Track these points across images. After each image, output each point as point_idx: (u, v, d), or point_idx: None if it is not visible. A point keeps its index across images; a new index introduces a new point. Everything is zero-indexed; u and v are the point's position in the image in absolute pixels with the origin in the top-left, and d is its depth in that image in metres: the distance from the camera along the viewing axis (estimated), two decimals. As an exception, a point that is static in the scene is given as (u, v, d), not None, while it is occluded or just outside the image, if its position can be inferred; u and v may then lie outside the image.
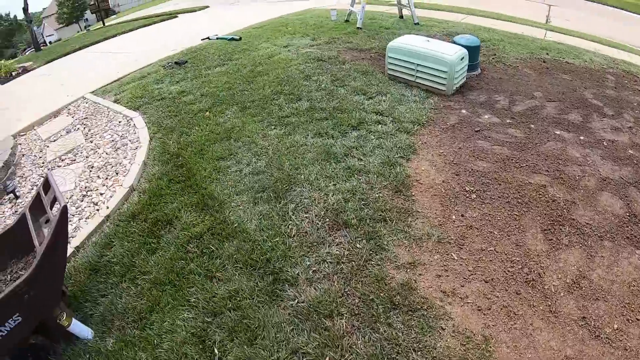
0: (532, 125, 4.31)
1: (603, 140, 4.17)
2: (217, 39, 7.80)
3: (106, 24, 21.82)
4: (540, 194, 3.33)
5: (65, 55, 8.92)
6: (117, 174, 3.77)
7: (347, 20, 7.44)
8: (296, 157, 3.67)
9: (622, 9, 17.67)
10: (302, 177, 3.42)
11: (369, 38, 6.56)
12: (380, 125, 4.08)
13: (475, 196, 3.17)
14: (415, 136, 3.91)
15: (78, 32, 30.69)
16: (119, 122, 4.51)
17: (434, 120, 4.24)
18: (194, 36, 8.35)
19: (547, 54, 6.72)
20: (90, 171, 3.89)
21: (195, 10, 13.74)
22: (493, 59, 6.21)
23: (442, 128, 4.11)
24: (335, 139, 3.90)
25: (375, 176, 3.32)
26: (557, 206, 3.18)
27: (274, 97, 4.82)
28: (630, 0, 19.59)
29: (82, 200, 3.46)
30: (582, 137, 4.22)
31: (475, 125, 4.18)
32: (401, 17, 8.12)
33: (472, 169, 3.47)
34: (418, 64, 4.80)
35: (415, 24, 7.56)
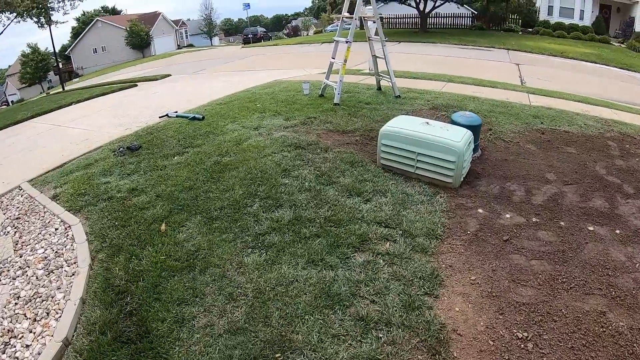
0: (562, 223, 4.24)
1: (639, 232, 4.16)
2: (176, 116, 7.62)
3: (66, 88, 22.50)
4: (602, 326, 3.08)
5: (15, 123, 9.14)
6: (47, 314, 3.22)
7: (321, 95, 7.64)
8: (287, 302, 3.20)
9: (582, 60, 20.49)
10: (300, 336, 2.93)
11: (350, 116, 6.62)
12: (388, 243, 3.78)
13: (531, 345, 2.84)
14: (435, 257, 3.62)
15: (41, 93, 31.97)
16: (56, 229, 4.22)
17: (451, 229, 4.03)
18: (153, 111, 8.18)
19: (542, 123, 7.17)
20: (16, 303, 3.34)
21: (156, 79, 14.20)
22: (490, 135, 6.44)
23: (464, 240, 3.88)
24: (335, 269, 3.50)
25: (399, 330, 2.90)
26: (626, 341, 2.92)
27: (247, 203, 4.44)
28: (587, 51, 22.92)
29: (4, 353, 2.85)
30: (618, 231, 4.19)
31: (500, 232, 4.02)
32: (379, 88, 8.55)
33: (516, 302, 3.19)
34: (419, 153, 4.73)
35: (396, 97, 7.92)
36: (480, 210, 4.41)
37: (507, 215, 4.35)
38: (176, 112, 7.60)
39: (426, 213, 4.28)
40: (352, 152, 5.27)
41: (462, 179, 4.83)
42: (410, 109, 7.44)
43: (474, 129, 5.18)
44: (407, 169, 4.74)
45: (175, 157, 5.78)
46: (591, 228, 4.21)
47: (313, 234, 3.93)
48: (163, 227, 4.18)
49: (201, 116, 7.39)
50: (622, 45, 28.55)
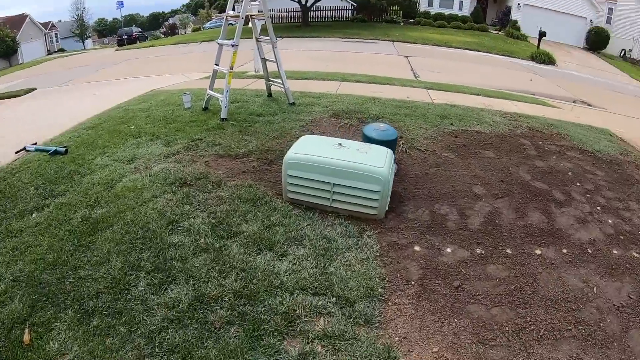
0: (508, 250, 4.13)
1: (585, 247, 4.30)
2: (35, 150, 6.29)
3: None
4: (586, 378, 2.90)
5: None
6: None
7: (205, 108, 7.28)
8: None
9: (465, 49, 22.93)
10: None
11: (242, 134, 6.23)
12: (323, 319, 3.15)
13: None
14: (384, 328, 3.13)
15: None
16: None
17: (392, 282, 3.59)
18: (7, 143, 6.55)
19: (452, 124, 7.36)
20: None
21: (19, 95, 12.17)
22: (403, 144, 6.30)
23: (410, 296, 3.46)
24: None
25: None
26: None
27: (131, 281, 3.38)
28: (468, 39, 25.85)
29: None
30: (564, 251, 4.23)
31: (447, 275, 3.71)
32: (270, 95, 8.19)
33: (492, 372, 2.81)
34: (335, 184, 4.21)
35: (290, 104, 7.63)
36: (417, 248, 4.06)
37: (448, 250, 4.06)
38: (35, 143, 6.63)
39: (357, 264, 3.75)
40: (251, 185, 4.77)
41: (387, 207, 4.44)
42: (308, 119, 7.06)
43: (391, 144, 4.89)
44: (322, 202, 4.27)
45: (34, 215, 4.41)
46: (538, 252, 4.17)
47: (224, 321, 3.08)
48: (27, 336, 3.01)
49: (64, 148, 6.09)
50: (500, 32, 33.03)
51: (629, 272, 4.06)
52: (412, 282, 3.64)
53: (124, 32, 43.78)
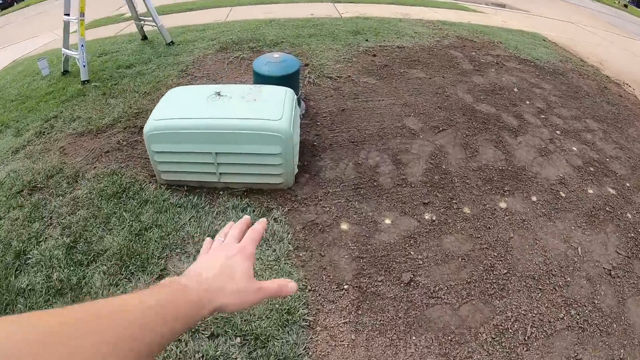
0: (466, 209, 3.28)
1: (555, 189, 3.72)
2: None
3: None
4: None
5: None
6: None
7: (65, 71, 6.56)
8: None
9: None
10: None
11: (106, 97, 5.38)
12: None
13: None
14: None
15: None
16: None
17: (317, 291, 2.72)
18: None
19: (367, 40, 6.44)
20: None
21: None
22: (310, 73, 5.17)
23: (345, 310, 2.61)
24: None
25: None
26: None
27: None
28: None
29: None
30: (534, 199, 3.54)
31: (391, 264, 2.78)
32: (144, 37, 7.34)
33: None
34: (218, 153, 3.09)
35: (168, 44, 6.81)
36: (344, 227, 3.06)
37: (387, 221, 3.11)
38: None
39: (264, 271, 2.70)
40: (115, 172, 3.85)
41: (296, 169, 3.34)
42: (189, 60, 5.93)
43: (292, 79, 3.79)
44: (207, 179, 3.47)
45: None
46: (503, 205, 3.40)
47: None
48: None
49: None
50: None
51: (610, 217, 3.56)
52: (345, 286, 2.67)
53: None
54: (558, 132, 4.58)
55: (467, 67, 5.78)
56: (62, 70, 6.43)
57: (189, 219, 3.19)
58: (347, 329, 2.42)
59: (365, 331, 2.42)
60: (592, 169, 4.08)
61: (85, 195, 3.51)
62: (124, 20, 9.23)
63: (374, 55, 5.82)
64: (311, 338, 2.36)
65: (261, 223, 0.76)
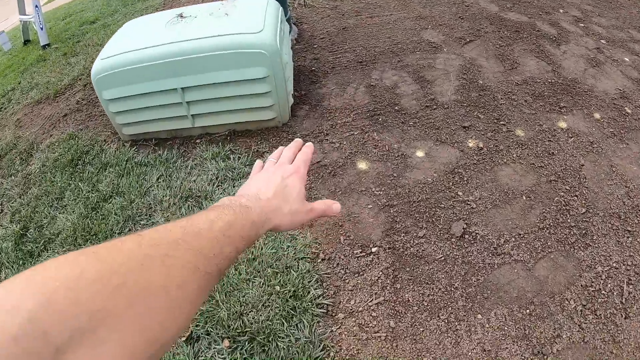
0: (519, 131, 2.38)
1: (618, 104, 2.89)
2: None
3: None
4: None
5: None
6: None
7: (27, 41, 5.90)
8: None
9: None
10: None
11: (67, 57, 4.65)
12: None
13: None
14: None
15: None
16: None
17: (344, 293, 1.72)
18: None
19: None
20: None
21: None
22: None
23: (378, 295, 1.61)
24: None
25: None
26: None
27: None
28: None
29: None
30: (597, 116, 2.65)
31: (435, 222, 1.90)
32: None
33: None
34: (185, 88, 2.16)
35: None
36: (362, 166, 2.20)
37: (419, 154, 2.22)
38: None
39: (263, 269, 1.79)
40: (72, 136, 3.08)
41: (291, 100, 2.44)
42: (159, 2, 4.91)
43: None
44: (178, 126, 2.62)
45: None
46: (563, 124, 2.51)
47: None
48: None
49: None
50: None
51: None
52: (374, 248, 1.82)
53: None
54: (603, 41, 3.63)
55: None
56: (23, 41, 5.72)
57: (157, 180, 2.35)
58: (382, 313, 1.58)
59: (409, 313, 1.58)
60: None
61: (38, 170, 2.71)
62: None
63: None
64: (331, 331, 1.53)
65: (309, 147, 0.72)
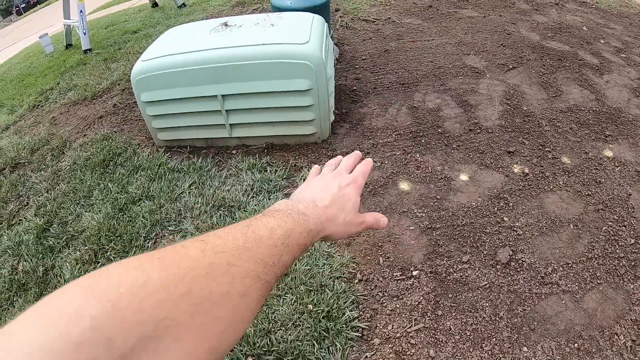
0: (565, 159, 2.25)
1: None
2: None
3: None
4: None
5: None
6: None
7: (69, 45, 5.99)
8: None
9: None
10: None
11: (107, 62, 4.66)
12: None
13: None
14: None
15: None
16: None
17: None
18: None
19: None
20: None
21: None
22: (341, 17, 4.13)
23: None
24: None
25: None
26: None
27: None
28: None
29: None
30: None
31: (488, 235, 1.78)
32: (155, 4, 6.64)
33: None
34: (226, 95, 2.14)
35: (180, 6, 6.04)
36: (404, 186, 2.11)
37: (463, 177, 2.12)
38: None
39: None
40: (107, 137, 3.04)
41: (332, 116, 2.39)
42: (202, 17, 5.17)
43: (321, 10, 2.81)
44: (215, 135, 2.56)
45: None
46: (609, 153, 2.36)
47: None
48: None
49: None
50: None
51: None
52: (415, 272, 1.72)
53: (20, 1, 36.06)
54: (647, 70, 3.44)
55: (525, 7, 4.60)
56: (65, 44, 5.82)
57: (189, 187, 2.30)
58: (421, 340, 1.46)
59: (450, 342, 1.46)
60: None
61: (68, 167, 2.71)
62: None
63: (416, -4, 4.70)
64: (366, 357, 1.42)
65: (369, 161, 0.67)
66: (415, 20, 4.06)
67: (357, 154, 0.69)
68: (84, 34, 5.01)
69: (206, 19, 5.01)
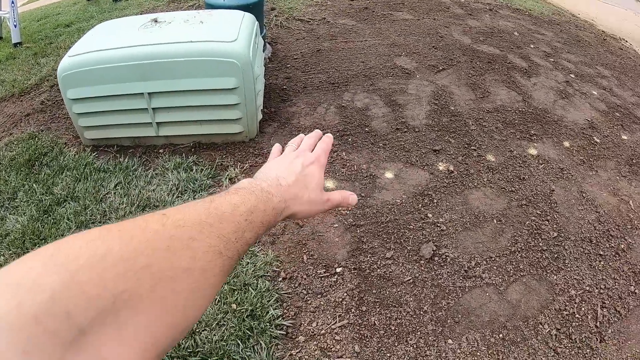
0: (490, 156, 2.38)
1: (587, 133, 2.95)
2: None
3: None
4: None
5: None
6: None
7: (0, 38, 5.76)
8: None
9: None
10: None
11: (37, 57, 4.55)
12: None
13: None
14: None
15: None
16: None
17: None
18: None
19: None
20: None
21: None
22: (277, 17, 4.21)
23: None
24: None
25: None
26: None
27: None
28: None
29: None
30: (566, 144, 2.67)
31: (412, 231, 1.85)
32: None
33: None
34: (152, 93, 2.12)
35: (115, 0, 5.96)
36: (329, 184, 2.17)
37: (389, 175, 2.20)
38: None
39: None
40: (33, 136, 2.99)
41: (260, 115, 2.41)
42: (137, 13, 4.97)
43: (254, 8, 2.88)
44: (142, 134, 2.55)
45: None
46: (533, 151, 2.55)
47: None
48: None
49: None
50: None
51: None
52: (339, 269, 1.78)
53: None
54: (572, 75, 3.77)
55: (459, 12, 4.89)
56: None
57: (115, 187, 2.25)
58: (346, 336, 1.50)
59: (375, 337, 1.50)
60: (618, 114, 3.33)
61: None
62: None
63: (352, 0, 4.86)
64: (291, 355, 1.43)
65: (330, 137, 0.69)
66: (350, 21, 4.19)
67: (317, 132, 0.71)
68: (15, 26, 4.87)
69: (141, 14, 4.95)
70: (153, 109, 2.33)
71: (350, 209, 1.99)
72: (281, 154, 0.66)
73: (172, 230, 0.35)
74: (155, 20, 2.51)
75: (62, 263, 0.28)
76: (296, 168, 0.59)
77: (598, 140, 2.86)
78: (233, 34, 2.25)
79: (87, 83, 2.26)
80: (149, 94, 2.27)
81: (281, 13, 4.36)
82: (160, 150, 2.50)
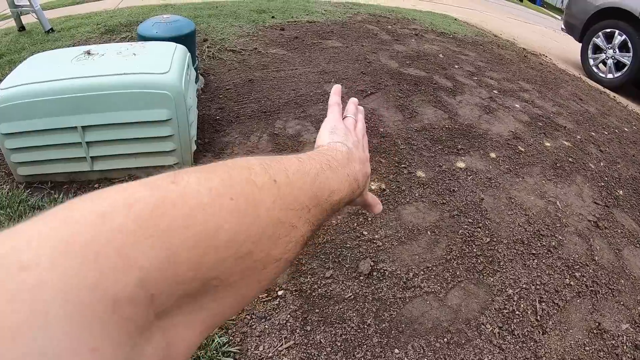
0: (420, 173, 2.56)
1: (512, 144, 3.22)
2: None
3: None
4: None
5: None
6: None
7: None
8: None
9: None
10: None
11: None
12: None
13: None
14: None
15: None
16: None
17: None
18: None
19: (274, 17, 5.73)
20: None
21: None
22: (209, 47, 4.30)
23: None
24: None
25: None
26: None
27: None
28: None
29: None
30: (493, 155, 2.91)
31: (349, 249, 1.95)
32: (22, 28, 6.24)
33: None
34: (86, 127, 2.15)
35: (47, 31, 5.81)
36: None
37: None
38: None
39: None
40: None
41: (194, 146, 2.48)
42: (70, 44, 4.96)
43: (185, 43, 2.94)
44: (77, 169, 2.55)
45: None
46: (461, 164, 2.77)
47: None
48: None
49: None
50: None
51: (576, 168, 3.22)
52: (280, 291, 1.84)
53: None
54: (495, 91, 4.10)
55: (386, 38, 5.21)
56: None
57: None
58: (294, 357, 1.56)
59: (323, 355, 1.57)
60: (540, 123, 3.66)
61: None
62: (3, 18, 8.05)
63: (282, 29, 5.06)
64: None
65: (362, 122, 0.66)
66: (281, 51, 4.36)
67: (358, 108, 0.68)
68: (35, 15, 5.32)
69: (73, 46, 4.91)
70: (87, 142, 2.34)
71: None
72: (342, 114, 0.63)
73: (280, 213, 0.32)
74: (89, 53, 2.54)
75: (164, 231, 0.24)
76: (366, 165, 0.56)
77: (523, 149, 3.12)
78: (165, 65, 2.33)
79: (19, 117, 2.25)
80: (82, 127, 2.29)
81: (213, 44, 4.47)
82: (96, 185, 2.50)
